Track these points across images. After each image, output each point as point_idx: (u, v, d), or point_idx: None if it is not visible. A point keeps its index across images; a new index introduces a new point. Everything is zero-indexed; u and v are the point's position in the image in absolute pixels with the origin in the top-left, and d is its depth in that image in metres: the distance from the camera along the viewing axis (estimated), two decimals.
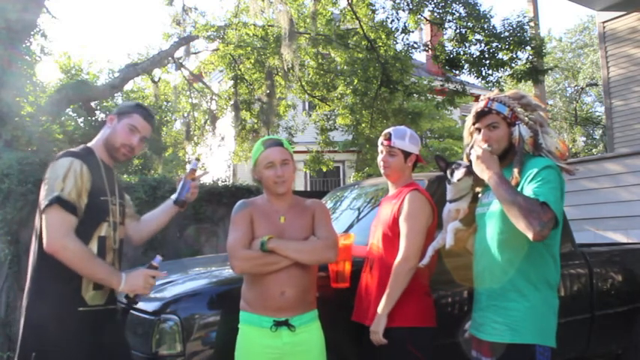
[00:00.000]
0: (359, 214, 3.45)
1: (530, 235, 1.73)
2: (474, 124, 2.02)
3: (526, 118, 1.96)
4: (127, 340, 2.24)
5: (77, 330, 1.90)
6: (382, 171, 2.52)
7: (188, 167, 2.30)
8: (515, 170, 1.90)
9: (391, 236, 2.36)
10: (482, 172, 1.89)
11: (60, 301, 1.91)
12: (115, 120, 2.12)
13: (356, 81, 9.39)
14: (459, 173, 2.09)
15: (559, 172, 1.87)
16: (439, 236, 2.23)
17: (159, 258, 2.04)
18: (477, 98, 2.20)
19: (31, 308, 1.91)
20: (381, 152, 2.50)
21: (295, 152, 2.43)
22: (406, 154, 2.45)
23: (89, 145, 2.12)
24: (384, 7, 15.96)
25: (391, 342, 2.24)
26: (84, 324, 1.92)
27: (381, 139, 2.52)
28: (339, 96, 10.44)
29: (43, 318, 1.89)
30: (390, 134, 2.48)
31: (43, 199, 1.88)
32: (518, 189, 1.86)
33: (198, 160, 2.51)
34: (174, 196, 2.29)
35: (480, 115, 2.00)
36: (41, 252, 1.89)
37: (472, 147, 2.02)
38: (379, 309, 2.27)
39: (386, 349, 2.26)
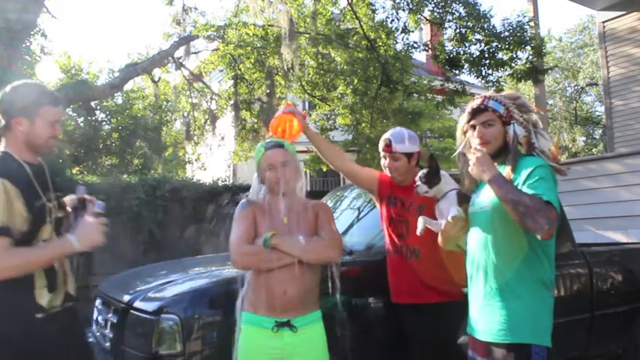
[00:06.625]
0: (359, 213, 3.45)
1: (539, 235, 1.71)
2: (469, 121, 2.02)
3: (521, 118, 1.97)
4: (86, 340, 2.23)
5: (41, 337, 1.88)
6: (390, 176, 2.59)
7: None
8: (508, 168, 1.90)
9: None
10: (482, 174, 1.87)
11: (16, 311, 1.87)
12: (26, 122, 1.92)
13: (356, 81, 9.40)
14: (422, 188, 2.22)
15: (552, 170, 1.88)
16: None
17: (101, 204, 1.96)
18: None
19: None
20: (384, 157, 2.57)
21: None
22: (408, 155, 2.53)
23: (4, 149, 1.94)
24: (384, 7, 15.92)
25: (438, 316, 2.44)
26: (45, 329, 1.90)
27: (381, 146, 2.56)
28: (339, 96, 10.44)
29: (5, 331, 1.85)
30: (389, 140, 2.54)
31: None
32: None
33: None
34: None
35: (475, 112, 2.00)
36: None
37: (465, 146, 2.03)
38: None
39: (425, 322, 2.47)
